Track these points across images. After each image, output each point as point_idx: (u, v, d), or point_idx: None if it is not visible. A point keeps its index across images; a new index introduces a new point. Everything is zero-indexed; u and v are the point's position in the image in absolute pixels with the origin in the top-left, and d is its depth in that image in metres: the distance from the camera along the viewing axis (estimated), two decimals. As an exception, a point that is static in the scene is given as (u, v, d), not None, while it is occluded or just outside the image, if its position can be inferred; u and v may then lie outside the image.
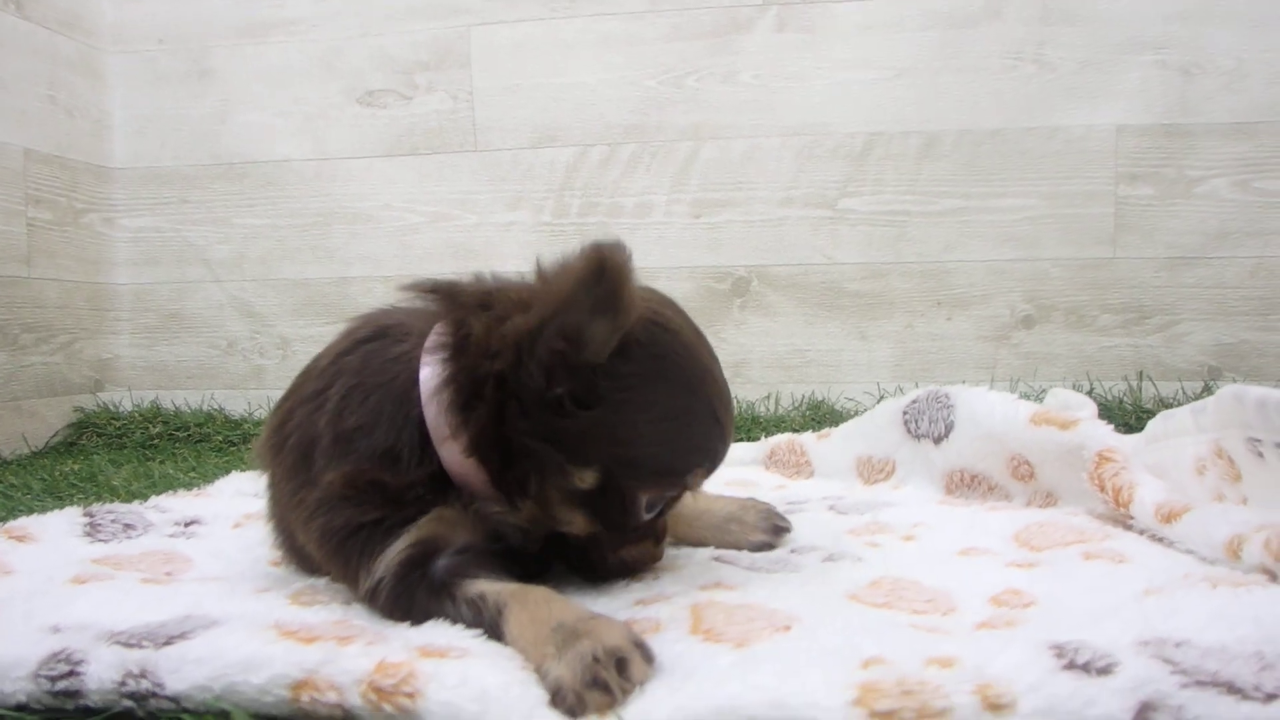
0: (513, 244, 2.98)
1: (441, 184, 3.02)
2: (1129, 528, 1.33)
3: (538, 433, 1.00)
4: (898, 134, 2.79)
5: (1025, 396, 2.56)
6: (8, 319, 2.72)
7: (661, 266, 2.88)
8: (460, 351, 1.03)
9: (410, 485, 1.04)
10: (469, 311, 1.03)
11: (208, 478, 2.17)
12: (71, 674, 0.87)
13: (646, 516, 1.10)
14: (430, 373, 1.04)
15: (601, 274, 0.93)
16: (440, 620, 0.98)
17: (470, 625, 0.95)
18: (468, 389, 1.01)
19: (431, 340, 1.06)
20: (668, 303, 1.11)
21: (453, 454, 1.04)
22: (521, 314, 0.99)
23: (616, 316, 0.96)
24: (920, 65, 2.77)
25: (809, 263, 2.84)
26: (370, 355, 1.11)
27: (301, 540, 1.12)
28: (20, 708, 0.89)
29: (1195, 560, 1.16)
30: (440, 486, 1.05)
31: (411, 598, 1.01)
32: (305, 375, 1.19)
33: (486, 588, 0.98)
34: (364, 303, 2.99)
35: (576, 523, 1.07)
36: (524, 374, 0.98)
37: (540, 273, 1.04)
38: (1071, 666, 0.76)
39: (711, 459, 1.10)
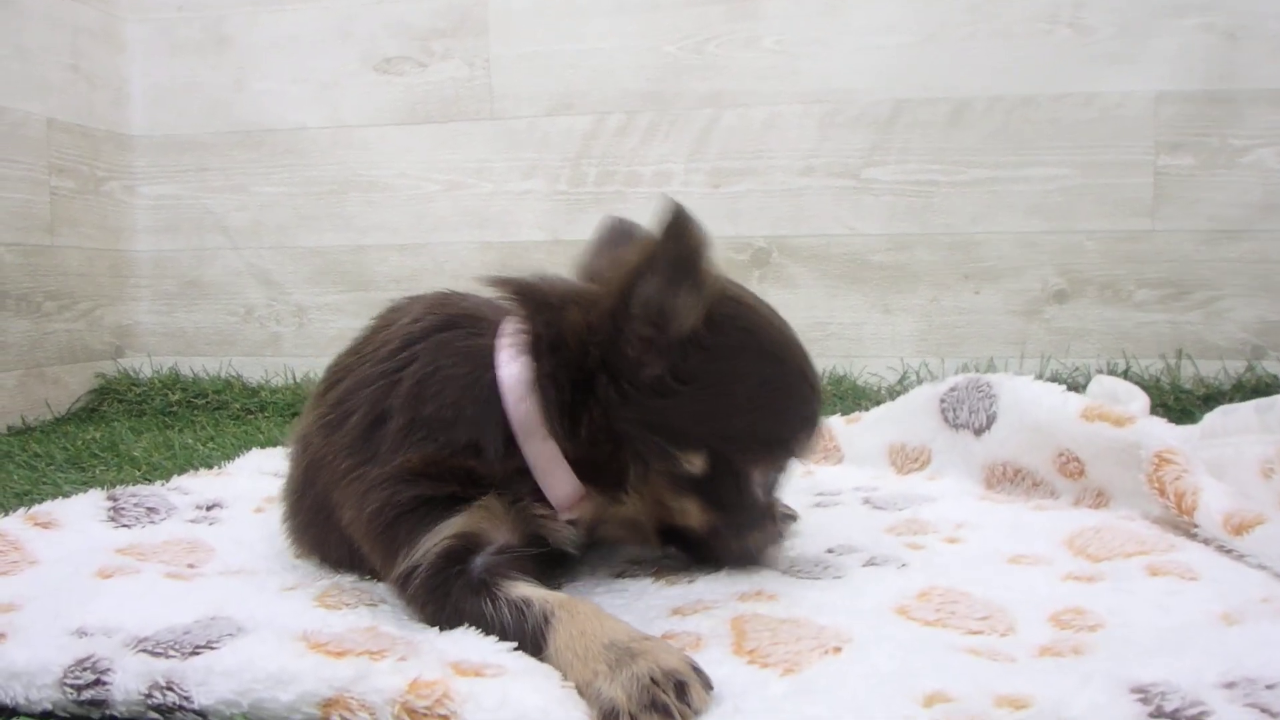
0: (528, 213, 2.94)
1: (457, 152, 2.97)
2: (1192, 536, 1.27)
3: (641, 419, 1.01)
4: (925, 101, 2.72)
5: (1057, 374, 2.54)
6: (32, 287, 2.73)
7: (682, 236, 2.83)
8: (554, 349, 1.03)
9: (498, 478, 1.04)
10: (553, 311, 1.04)
11: (226, 451, 2.18)
12: (98, 683, 0.86)
13: (760, 494, 1.10)
14: (517, 370, 1.04)
15: (677, 240, 0.94)
16: (472, 622, 0.95)
17: (508, 630, 0.92)
18: (566, 385, 1.02)
19: (509, 338, 1.06)
20: (730, 279, 1.11)
21: (542, 452, 1.03)
22: (608, 298, 1.00)
23: (697, 283, 0.97)
24: (949, 29, 2.69)
25: (831, 234, 2.79)
26: (444, 344, 1.09)
27: (347, 518, 1.08)
28: (46, 715, 0.88)
29: (1270, 577, 1.11)
30: (520, 484, 1.05)
31: (446, 592, 0.99)
32: (360, 356, 1.15)
33: (532, 593, 0.96)
34: (380, 271, 3.02)
35: (690, 511, 1.08)
36: (620, 352, 1.00)
37: (613, 260, 1.07)
38: (1159, 714, 0.71)
39: (812, 424, 1.12)
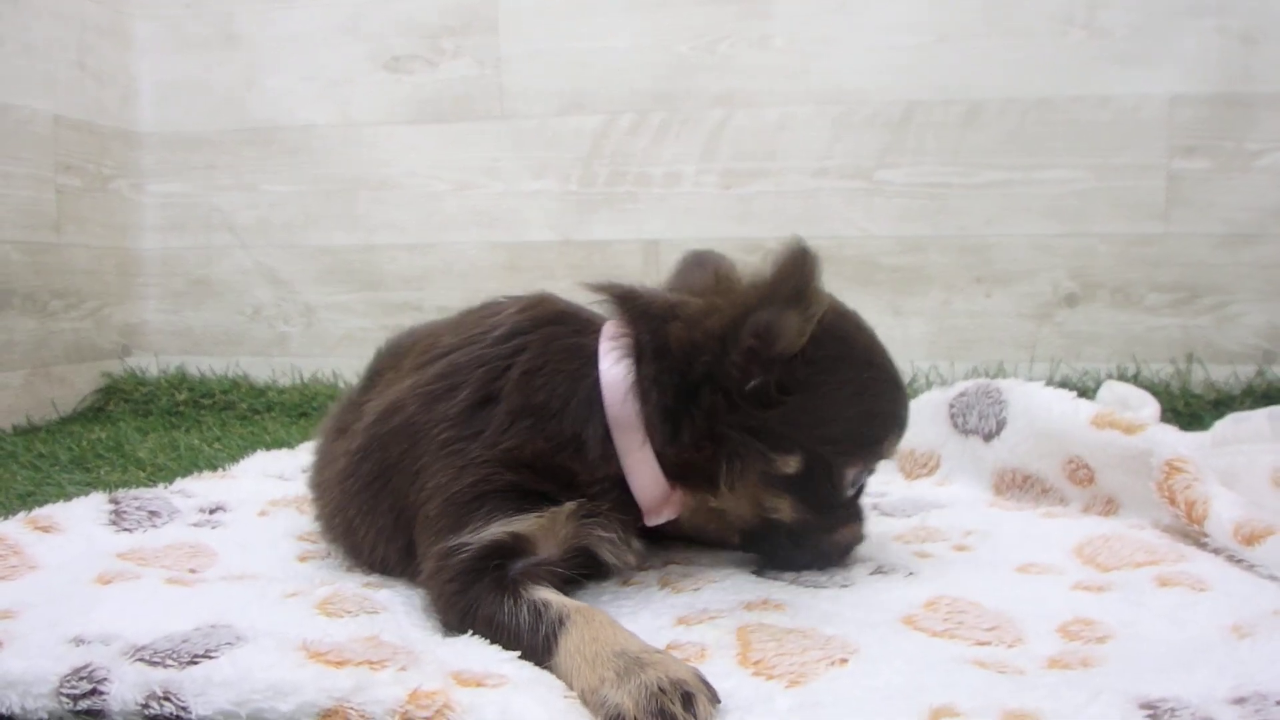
0: (539, 212, 2.92)
1: (467, 151, 2.96)
2: (1202, 545, 1.26)
3: (743, 425, 1.07)
4: (939, 102, 2.70)
5: (1068, 379, 2.52)
6: (38, 285, 2.72)
7: (690, 238, 2.81)
8: (657, 356, 1.07)
9: (592, 482, 1.09)
10: (656, 321, 1.09)
11: (232, 452, 2.17)
12: (94, 693, 0.85)
13: (850, 492, 1.17)
14: (620, 372, 1.08)
15: (795, 272, 1.00)
16: (488, 614, 0.97)
17: (522, 628, 0.94)
18: (669, 391, 1.06)
19: (611, 341, 1.11)
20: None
21: (635, 452, 1.08)
22: (714, 316, 1.05)
23: (808, 310, 1.03)
24: (963, 29, 2.67)
25: (843, 235, 2.77)
26: (553, 338, 1.14)
27: (430, 485, 1.10)
28: (43, 724, 0.87)
29: None
30: (608, 492, 1.10)
31: (475, 581, 1.02)
32: (467, 339, 1.17)
33: (552, 597, 0.99)
34: (389, 271, 3.01)
35: (783, 508, 1.13)
36: (726, 369, 1.05)
37: (719, 277, 1.14)
38: None
39: (900, 425, 1.19)
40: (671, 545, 1.32)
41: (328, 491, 1.28)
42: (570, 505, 1.08)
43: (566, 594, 1.03)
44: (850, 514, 1.21)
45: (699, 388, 1.06)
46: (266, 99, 3.05)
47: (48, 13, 2.76)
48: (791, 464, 1.10)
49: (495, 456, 1.07)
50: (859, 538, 1.23)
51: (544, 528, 1.07)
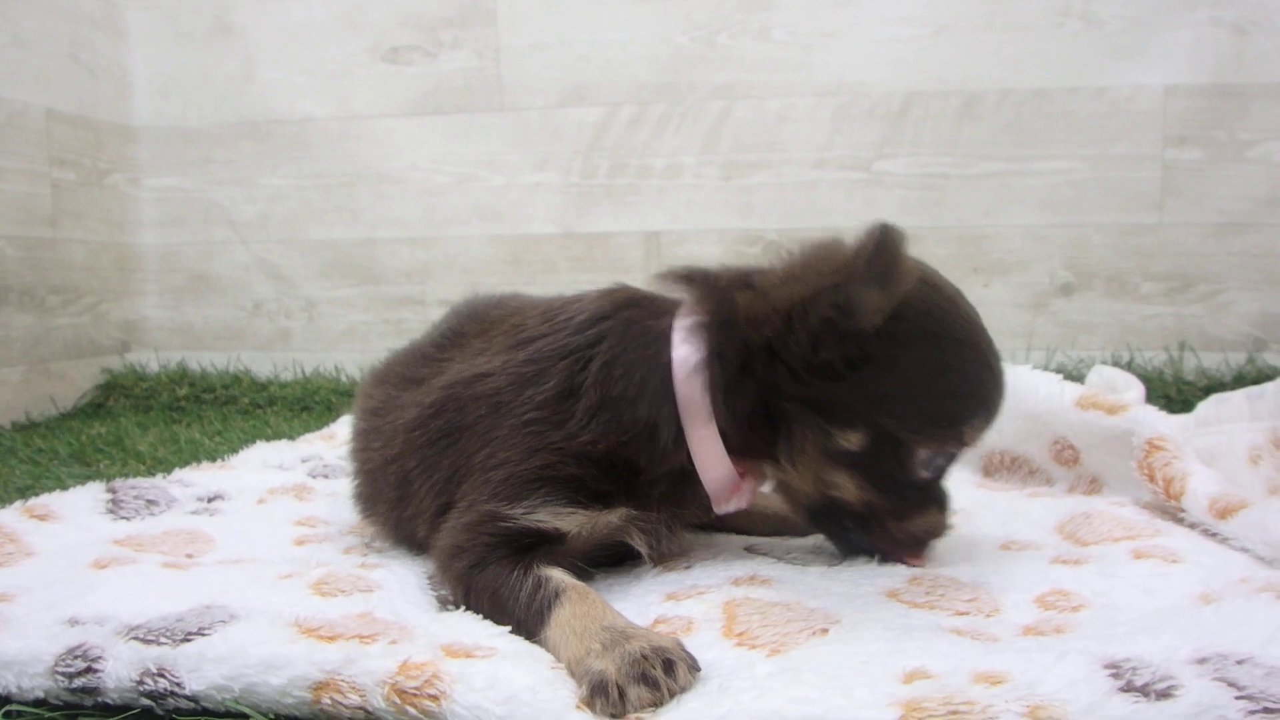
0: (540, 205, 2.93)
1: (468, 144, 2.96)
2: (1179, 520, 1.28)
3: (801, 397, 1.04)
4: (937, 94, 2.71)
5: (1063, 366, 2.53)
6: (34, 281, 2.71)
7: (690, 229, 2.83)
8: (725, 326, 1.06)
9: (655, 481, 1.09)
10: (728, 291, 1.08)
11: (233, 445, 2.17)
12: (89, 670, 0.87)
13: (923, 475, 1.09)
14: (688, 350, 1.07)
15: (882, 248, 0.98)
16: (493, 581, 0.99)
17: (519, 597, 0.96)
18: (733, 362, 1.05)
19: (683, 320, 1.10)
20: (925, 265, 1.13)
21: (703, 436, 1.07)
22: (790, 285, 1.04)
23: (889, 287, 1.00)
24: (961, 22, 2.68)
25: (843, 227, 2.74)
26: (631, 323, 1.14)
27: (499, 458, 1.11)
28: (39, 703, 0.88)
29: (1251, 560, 1.12)
30: (674, 486, 1.10)
31: (493, 558, 1.03)
32: (553, 325, 1.18)
33: (555, 574, 1.01)
34: (390, 265, 3.01)
35: (846, 487, 1.09)
36: (793, 341, 1.03)
37: (803, 250, 1.09)
38: (1129, 689, 0.73)
39: (988, 409, 1.11)
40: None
41: (391, 439, 1.27)
42: (617, 514, 1.09)
43: (579, 574, 1.05)
44: (928, 500, 1.13)
45: (759, 358, 1.05)
46: (264, 92, 3.05)
47: (39, 5, 2.74)
48: (853, 439, 1.05)
49: (570, 448, 1.08)
50: (938, 528, 1.15)
51: (583, 526, 1.08)
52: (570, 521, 1.07)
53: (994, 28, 2.66)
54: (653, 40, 2.83)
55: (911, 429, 1.06)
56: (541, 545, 1.06)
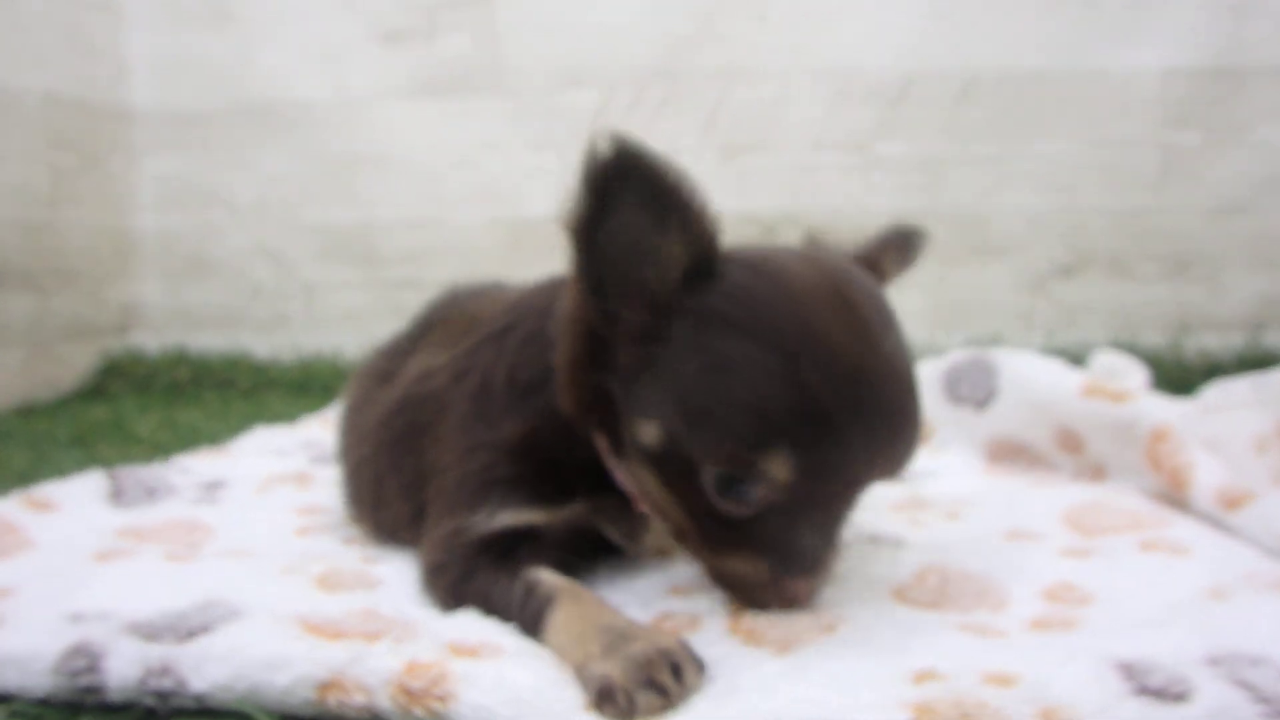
0: (539, 188, 2.91)
1: (466, 126, 2.95)
2: (1186, 511, 1.28)
3: (615, 373, 0.91)
4: (935, 76, 2.69)
5: (1063, 349, 2.53)
6: (33, 264, 2.70)
7: (689, 211, 2.81)
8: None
9: (585, 470, 1.01)
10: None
11: (232, 428, 2.16)
12: (92, 669, 0.85)
13: (726, 504, 0.87)
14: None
15: (629, 169, 0.88)
16: (482, 591, 0.97)
17: (511, 606, 0.93)
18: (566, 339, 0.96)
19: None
20: (812, 259, 0.96)
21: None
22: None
23: (691, 234, 0.86)
24: (959, 4, 2.67)
25: (840, 209, 2.77)
26: (553, 309, 1.05)
27: (446, 457, 1.08)
28: (42, 702, 0.88)
29: (1259, 553, 1.11)
30: (605, 475, 1.01)
31: (478, 563, 1.00)
32: (488, 316, 1.16)
33: (544, 575, 0.96)
34: (390, 247, 3.00)
35: (650, 486, 0.93)
36: (608, 313, 0.90)
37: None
38: (1143, 692, 0.72)
39: (794, 443, 0.83)
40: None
41: (365, 436, 1.25)
42: (579, 504, 1.04)
43: (571, 570, 1.02)
44: (747, 541, 0.89)
45: (572, 329, 0.95)
46: (262, 74, 3.03)
47: (37, -13, 2.71)
48: (650, 433, 0.89)
49: (499, 443, 1.03)
50: (763, 583, 0.90)
51: (549, 520, 1.03)
52: (535, 515, 1.02)
53: (992, 10, 2.65)
54: (650, 23, 2.82)
55: (693, 440, 0.86)
56: (521, 544, 1.01)
